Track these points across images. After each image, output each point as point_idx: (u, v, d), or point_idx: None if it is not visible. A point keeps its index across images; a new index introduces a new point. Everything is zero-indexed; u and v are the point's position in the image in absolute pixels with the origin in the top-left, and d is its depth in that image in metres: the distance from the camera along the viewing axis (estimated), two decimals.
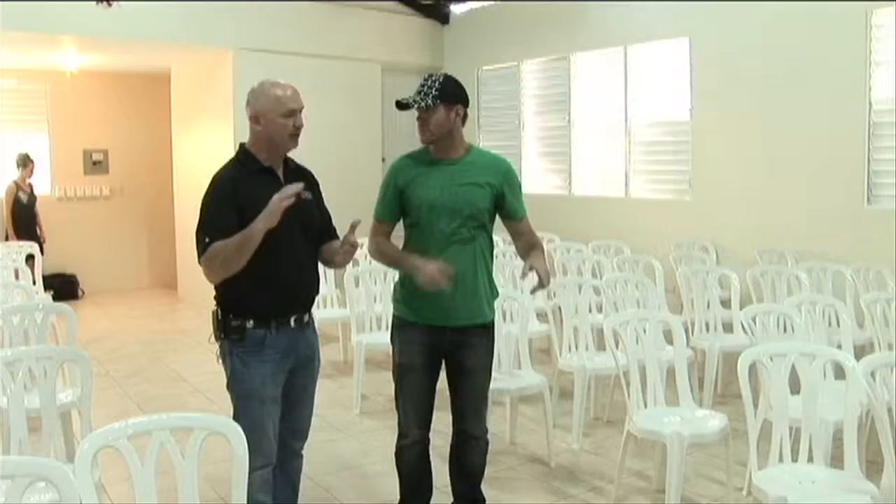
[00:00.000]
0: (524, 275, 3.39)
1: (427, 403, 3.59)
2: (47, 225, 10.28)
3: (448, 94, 3.41)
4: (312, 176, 3.44)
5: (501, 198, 3.51)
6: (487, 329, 3.60)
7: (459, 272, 3.41)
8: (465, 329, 3.49)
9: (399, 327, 3.57)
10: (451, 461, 3.73)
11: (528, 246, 3.57)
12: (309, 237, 3.31)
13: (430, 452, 3.70)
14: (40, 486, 2.12)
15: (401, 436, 3.64)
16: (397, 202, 3.51)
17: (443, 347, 3.51)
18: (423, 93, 3.40)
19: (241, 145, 3.29)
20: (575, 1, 9.24)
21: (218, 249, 3.04)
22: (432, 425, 3.65)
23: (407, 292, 3.52)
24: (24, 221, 9.85)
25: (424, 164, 3.51)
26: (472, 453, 3.67)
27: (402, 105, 3.44)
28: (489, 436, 3.73)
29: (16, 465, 2.16)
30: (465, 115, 3.49)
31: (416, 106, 3.39)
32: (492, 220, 3.55)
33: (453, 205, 3.42)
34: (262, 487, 3.14)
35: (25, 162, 10.00)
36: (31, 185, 10.11)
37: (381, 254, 3.61)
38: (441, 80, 3.44)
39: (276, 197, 2.99)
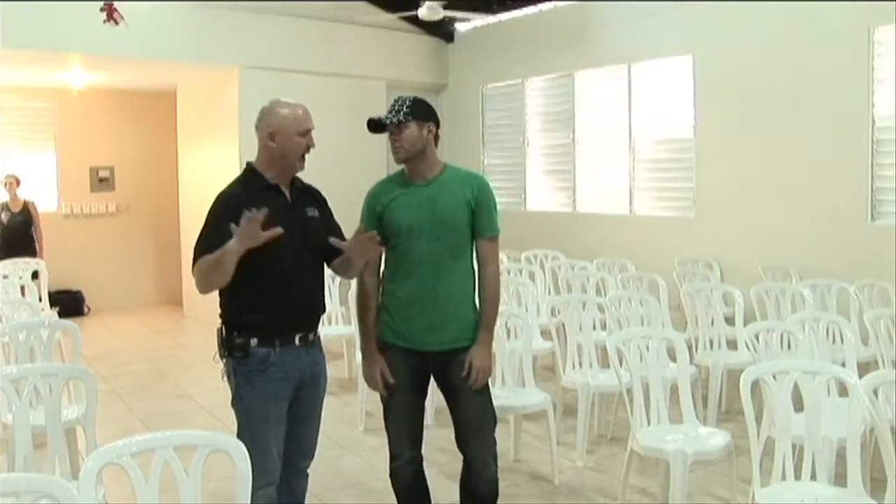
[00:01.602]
0: (466, 372, 3.38)
1: (416, 423, 3.54)
2: (54, 242, 10.13)
3: (419, 112, 3.39)
4: (320, 194, 3.47)
5: (473, 213, 3.42)
6: None
7: (441, 294, 3.38)
8: (448, 351, 3.42)
9: (383, 350, 3.50)
10: (461, 489, 3.61)
11: (482, 296, 3.46)
12: (314, 255, 3.32)
13: (432, 470, 3.68)
14: (44, 503, 2.12)
15: (393, 457, 3.59)
16: (378, 228, 3.44)
17: (428, 368, 3.46)
18: (394, 111, 3.39)
19: (248, 164, 3.32)
20: (578, 19, 9.29)
21: (202, 265, 3.07)
22: (439, 444, 3.63)
23: (390, 315, 3.47)
24: (7, 241, 9.32)
25: (400, 186, 3.47)
26: (476, 481, 3.52)
27: (374, 125, 3.42)
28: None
29: (20, 482, 2.17)
30: (437, 135, 3.47)
31: (387, 122, 3.37)
32: (472, 239, 3.46)
33: (432, 225, 3.37)
34: None
35: None
36: (24, 203, 9.61)
37: (359, 310, 3.56)
38: (411, 99, 3.43)
39: (243, 219, 2.96)
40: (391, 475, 3.63)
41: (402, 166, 3.52)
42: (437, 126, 3.47)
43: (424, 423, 3.62)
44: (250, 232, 2.95)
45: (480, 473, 3.49)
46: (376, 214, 3.47)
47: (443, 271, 3.39)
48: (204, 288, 3.14)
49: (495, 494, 3.54)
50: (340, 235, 3.45)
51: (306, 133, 3.24)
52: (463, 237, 3.42)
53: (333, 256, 3.40)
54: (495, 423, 3.56)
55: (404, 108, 3.37)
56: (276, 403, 3.20)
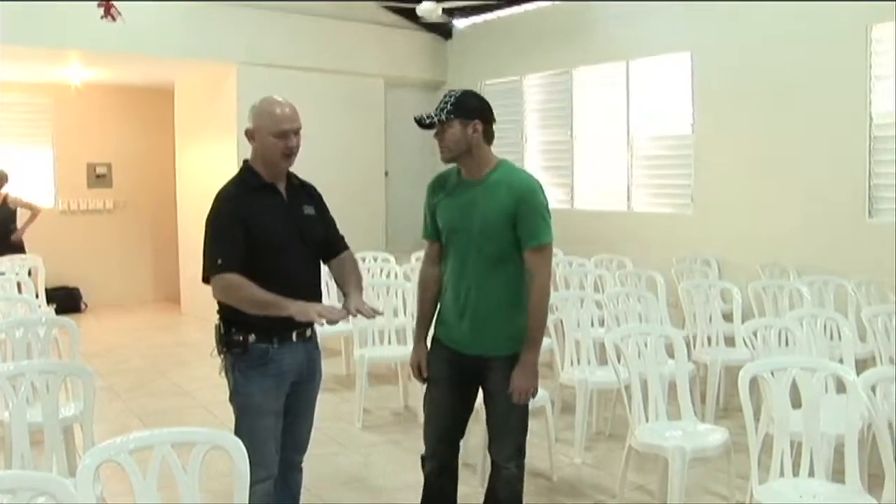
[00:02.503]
0: (510, 390, 3.26)
1: (445, 423, 3.48)
2: (51, 238, 10.11)
3: (463, 109, 3.24)
4: (315, 191, 3.47)
5: (515, 221, 3.22)
6: (510, 359, 3.31)
7: (476, 301, 3.29)
8: (486, 358, 3.33)
9: (432, 343, 3.50)
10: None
11: (528, 312, 3.28)
12: (311, 253, 3.34)
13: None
14: (42, 500, 2.11)
15: (425, 451, 3.58)
16: (434, 222, 3.45)
17: (469, 371, 3.38)
18: (437, 108, 3.28)
19: (245, 162, 3.33)
20: (577, 16, 9.29)
21: (240, 286, 3.08)
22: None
23: (441, 311, 3.46)
24: None
25: (451, 184, 3.40)
26: (495, 482, 3.45)
27: (420, 123, 3.31)
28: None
29: (18, 480, 2.17)
30: (488, 131, 3.32)
31: (428, 121, 3.27)
32: (518, 244, 3.27)
33: (470, 228, 3.28)
34: (264, 500, 3.16)
35: None
36: (4, 197, 9.33)
37: (417, 298, 3.59)
38: (458, 94, 3.30)
39: (319, 309, 3.02)
40: (421, 465, 3.57)
41: None
42: (487, 122, 3.30)
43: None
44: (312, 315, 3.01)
45: (497, 474, 3.43)
46: (431, 210, 3.46)
47: (480, 277, 3.29)
48: (230, 302, 3.15)
49: (514, 497, 3.45)
50: (335, 230, 3.48)
51: (283, 134, 3.18)
52: (502, 245, 3.25)
53: (330, 255, 3.43)
54: (522, 425, 3.41)
55: (447, 107, 3.24)
56: (274, 398, 3.23)
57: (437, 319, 3.50)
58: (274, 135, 3.18)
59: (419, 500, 3.61)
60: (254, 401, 3.19)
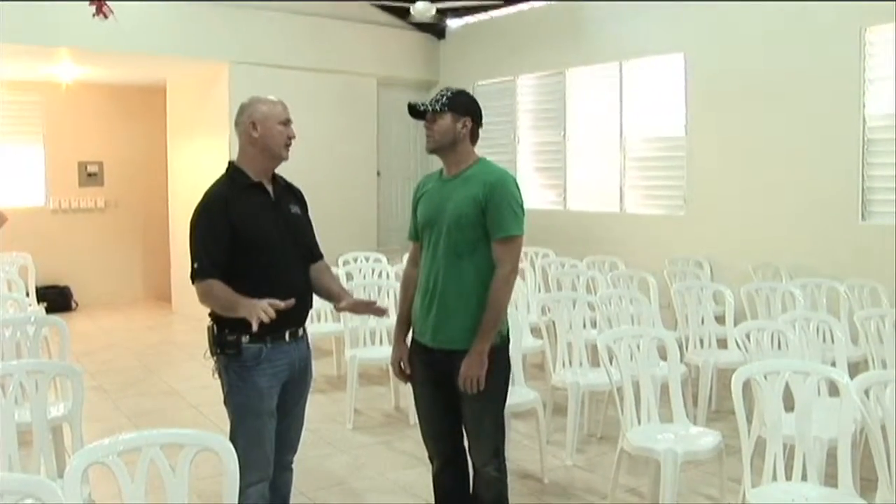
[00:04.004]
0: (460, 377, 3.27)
1: (435, 420, 3.48)
2: (42, 237, 10.12)
3: (457, 105, 3.33)
4: (301, 194, 3.51)
5: (484, 212, 3.26)
6: None
7: (441, 292, 3.31)
8: (450, 351, 3.31)
9: (411, 343, 3.52)
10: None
11: (487, 303, 3.27)
12: (301, 251, 3.37)
13: (422, 468, 3.63)
14: (29, 502, 2.09)
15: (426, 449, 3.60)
16: (416, 221, 3.50)
17: (439, 366, 3.38)
18: (433, 99, 3.37)
19: (231, 163, 3.35)
20: (570, 16, 9.29)
21: (213, 292, 3.12)
22: None
23: (415, 308, 3.47)
24: None
25: (434, 181, 3.47)
26: (477, 485, 3.45)
27: (413, 111, 3.39)
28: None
29: (4, 483, 2.14)
30: (475, 132, 3.39)
31: (422, 108, 3.35)
32: (487, 239, 3.29)
33: (442, 219, 3.32)
34: (260, 502, 3.16)
35: None
36: None
37: (399, 302, 3.63)
38: (454, 91, 3.41)
39: (265, 304, 2.94)
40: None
41: None
42: (476, 123, 3.39)
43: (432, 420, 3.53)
44: (266, 312, 2.95)
45: (478, 477, 3.43)
46: (414, 210, 3.52)
47: (448, 267, 3.31)
48: (205, 306, 3.20)
49: (498, 499, 3.44)
50: (314, 237, 3.51)
51: (287, 122, 3.30)
52: (470, 236, 3.27)
53: (313, 259, 3.47)
54: (496, 427, 3.41)
55: (443, 99, 3.34)
56: (268, 398, 3.23)
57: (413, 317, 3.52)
58: (280, 122, 3.27)
59: (410, 501, 3.60)
60: (250, 402, 3.19)
